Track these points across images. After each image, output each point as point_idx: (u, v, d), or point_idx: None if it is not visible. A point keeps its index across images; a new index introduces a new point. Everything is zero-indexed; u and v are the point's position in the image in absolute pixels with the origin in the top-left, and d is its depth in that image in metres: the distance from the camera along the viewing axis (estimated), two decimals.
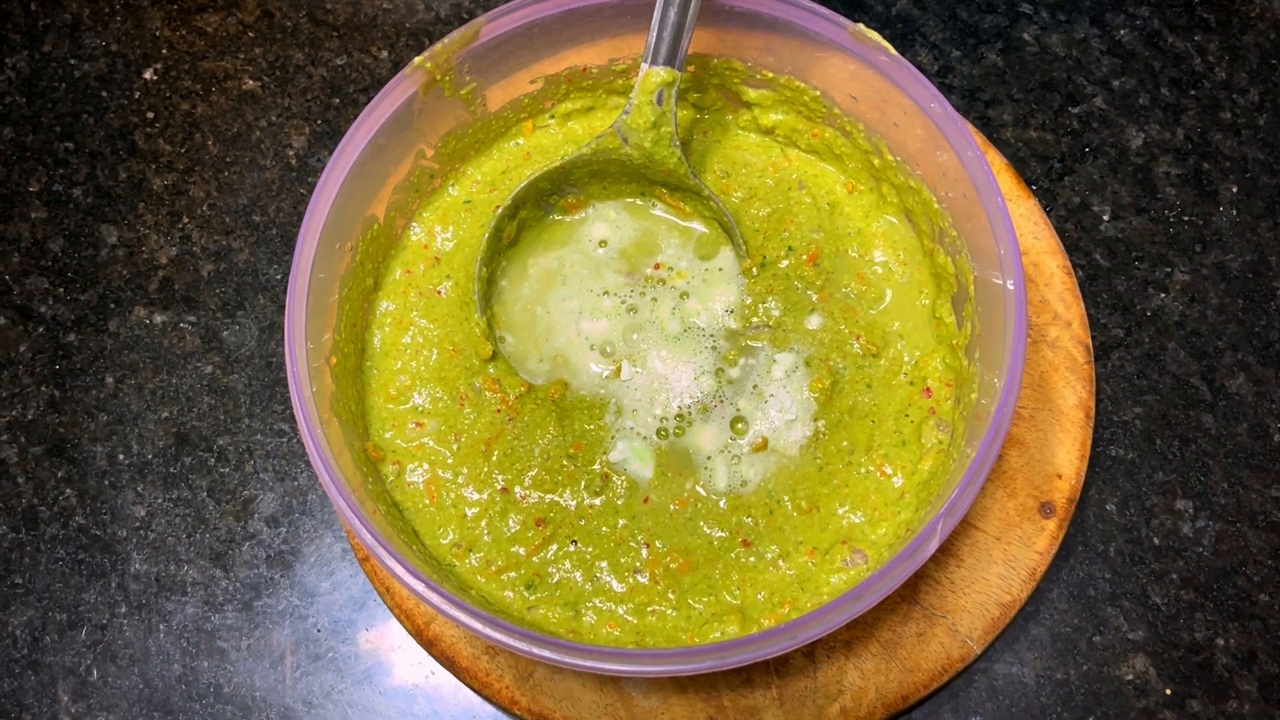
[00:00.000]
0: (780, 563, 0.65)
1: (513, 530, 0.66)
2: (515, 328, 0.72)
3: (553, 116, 0.76)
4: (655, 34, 0.66)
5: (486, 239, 0.71)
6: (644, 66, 0.67)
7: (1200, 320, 0.76)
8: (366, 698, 0.70)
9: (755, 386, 0.69)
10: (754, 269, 0.72)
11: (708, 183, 0.74)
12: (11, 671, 0.71)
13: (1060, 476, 0.69)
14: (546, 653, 0.55)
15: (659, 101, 0.68)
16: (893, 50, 0.64)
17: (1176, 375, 0.75)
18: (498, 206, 0.72)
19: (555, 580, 0.65)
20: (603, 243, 0.74)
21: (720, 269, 0.72)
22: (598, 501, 0.67)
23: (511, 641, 0.56)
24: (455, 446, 0.68)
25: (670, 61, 0.67)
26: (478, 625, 0.56)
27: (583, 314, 0.72)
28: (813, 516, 0.66)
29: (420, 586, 0.57)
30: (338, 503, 0.59)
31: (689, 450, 0.68)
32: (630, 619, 0.64)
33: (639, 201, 0.74)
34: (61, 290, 0.80)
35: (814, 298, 0.71)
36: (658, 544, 0.66)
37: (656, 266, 0.73)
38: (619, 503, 0.67)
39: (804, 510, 0.66)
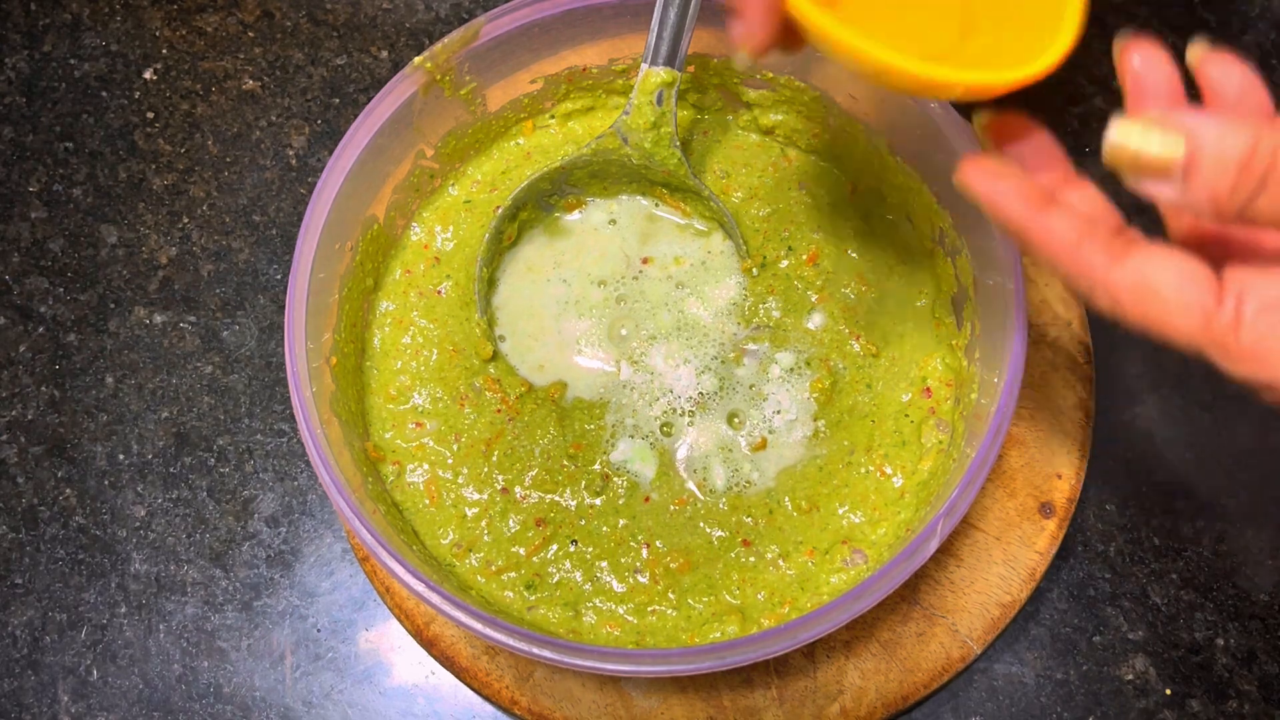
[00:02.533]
0: (780, 563, 0.65)
1: (513, 530, 0.66)
2: (515, 327, 0.72)
3: (553, 116, 0.76)
4: (655, 34, 0.66)
5: (487, 240, 0.71)
6: (644, 67, 0.67)
7: None
8: (366, 698, 0.70)
9: (755, 386, 0.69)
10: (754, 269, 0.72)
11: (708, 183, 0.74)
12: (11, 671, 0.71)
13: (1060, 476, 0.69)
14: (546, 653, 0.55)
15: (659, 102, 0.68)
16: None
17: (1176, 376, 0.75)
18: (498, 207, 0.72)
19: (555, 580, 0.65)
20: (611, 221, 0.74)
21: (720, 269, 0.72)
22: (598, 501, 0.67)
23: (511, 641, 0.56)
24: (455, 446, 0.68)
25: (670, 62, 0.67)
26: (478, 625, 0.56)
27: (582, 314, 0.72)
28: (813, 516, 0.66)
29: (420, 586, 0.57)
30: (337, 503, 0.59)
31: (690, 450, 0.68)
32: (630, 619, 0.64)
33: (640, 200, 0.74)
34: (61, 290, 0.80)
35: (814, 298, 0.71)
36: (658, 544, 0.66)
37: (648, 261, 0.73)
38: (619, 503, 0.67)
39: (804, 510, 0.66)
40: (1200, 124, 0.37)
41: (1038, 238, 0.42)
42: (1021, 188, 0.42)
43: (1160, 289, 0.40)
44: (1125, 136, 0.39)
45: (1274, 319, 0.38)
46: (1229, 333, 0.39)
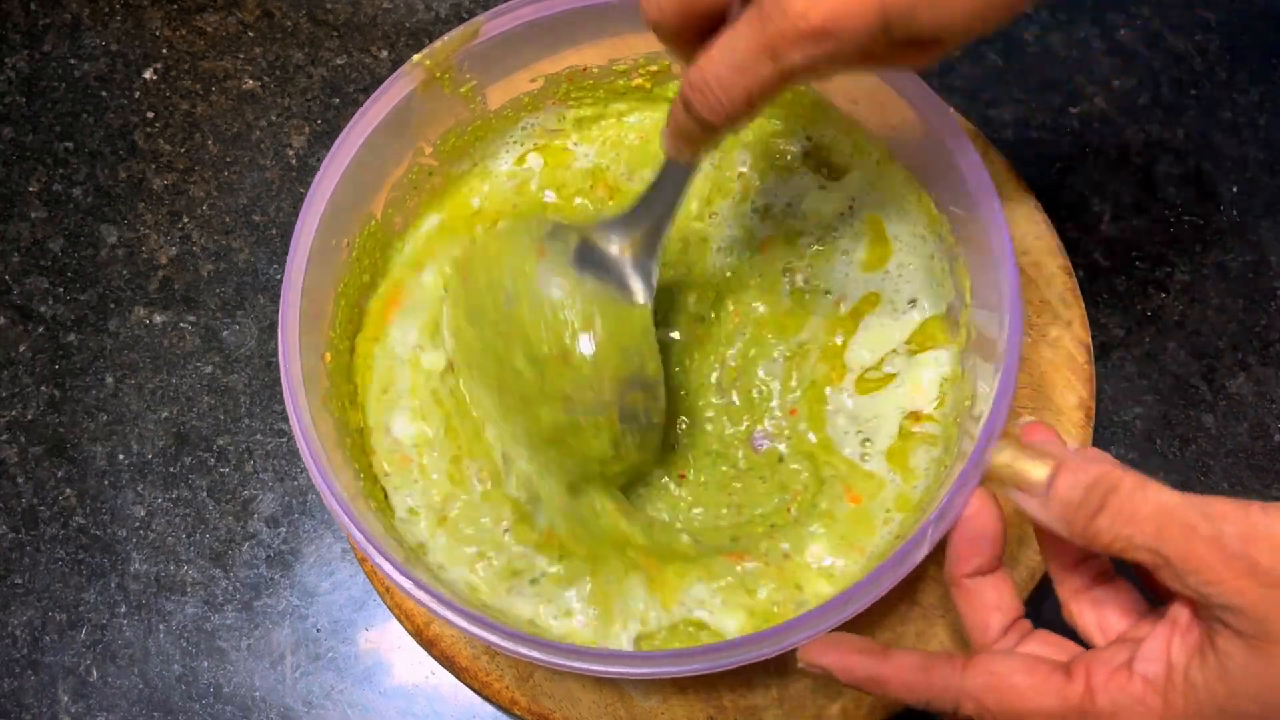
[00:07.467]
0: (781, 563, 0.65)
1: (512, 530, 0.66)
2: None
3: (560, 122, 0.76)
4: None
5: None
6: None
7: (1200, 320, 0.76)
8: (366, 698, 0.70)
9: (756, 388, 0.69)
10: (753, 271, 0.72)
11: (707, 181, 0.73)
12: (11, 671, 0.71)
13: None
14: (545, 655, 0.55)
15: None
16: None
17: (1176, 375, 0.75)
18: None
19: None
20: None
21: (719, 271, 0.72)
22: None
23: (510, 644, 0.56)
24: (454, 446, 0.68)
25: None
26: (476, 628, 0.56)
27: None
28: (811, 517, 0.66)
29: (412, 587, 0.56)
30: (330, 503, 0.58)
31: (690, 450, 0.68)
32: None
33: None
34: (61, 290, 0.80)
35: (811, 301, 0.71)
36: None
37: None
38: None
39: (805, 511, 0.66)
40: (1065, 452, 0.49)
41: (887, 675, 0.49)
42: (855, 644, 0.51)
43: (1013, 680, 0.47)
44: (1011, 457, 0.50)
45: (1121, 681, 0.45)
46: (1086, 701, 0.46)
